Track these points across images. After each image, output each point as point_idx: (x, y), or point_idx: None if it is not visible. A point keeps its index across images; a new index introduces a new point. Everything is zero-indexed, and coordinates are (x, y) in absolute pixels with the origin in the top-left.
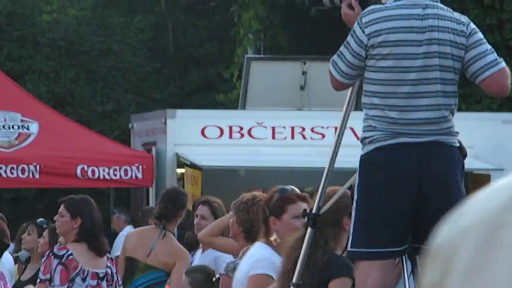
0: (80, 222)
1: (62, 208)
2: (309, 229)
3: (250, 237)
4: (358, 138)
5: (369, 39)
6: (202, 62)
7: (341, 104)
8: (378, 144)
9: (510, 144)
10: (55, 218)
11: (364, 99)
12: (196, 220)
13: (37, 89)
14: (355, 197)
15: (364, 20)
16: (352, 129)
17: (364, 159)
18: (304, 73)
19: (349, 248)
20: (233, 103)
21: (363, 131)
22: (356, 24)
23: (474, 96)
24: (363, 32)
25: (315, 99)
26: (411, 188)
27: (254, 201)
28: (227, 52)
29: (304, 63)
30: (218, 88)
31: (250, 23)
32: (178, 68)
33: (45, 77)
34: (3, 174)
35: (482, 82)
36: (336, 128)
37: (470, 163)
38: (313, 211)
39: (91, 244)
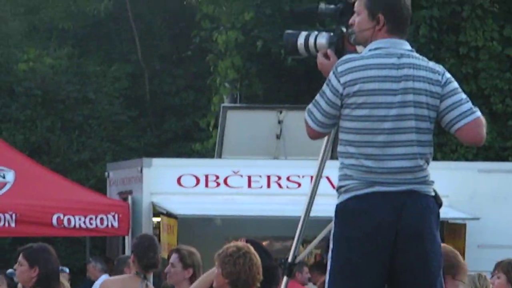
0: (37, 271)
1: (20, 257)
2: (285, 278)
3: None
4: (333, 187)
5: (344, 88)
6: (178, 111)
7: (317, 153)
8: (354, 193)
9: (486, 193)
10: (14, 267)
11: (339, 148)
12: (167, 268)
13: (13, 137)
14: (331, 245)
15: (339, 69)
16: (327, 178)
17: (340, 207)
18: (280, 122)
19: None
20: (209, 152)
21: (339, 180)
22: (331, 73)
23: (449, 145)
24: (339, 81)
25: (291, 148)
26: (387, 237)
27: (239, 253)
28: (204, 101)
29: (280, 112)
30: (195, 137)
31: (226, 72)
32: (155, 117)
33: (21, 125)
34: None
35: (457, 131)
36: (311, 177)
37: (445, 212)
38: (289, 260)
39: None
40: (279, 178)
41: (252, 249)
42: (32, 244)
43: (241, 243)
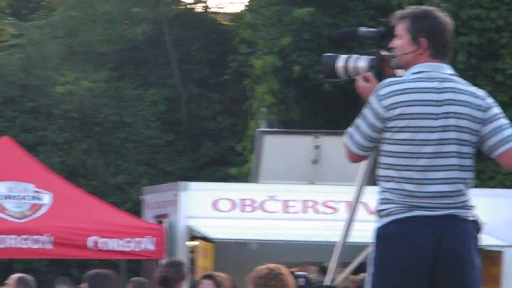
0: None
1: (84, 285)
2: None
3: None
4: (369, 212)
5: (386, 111)
6: (214, 135)
7: (353, 178)
8: (394, 217)
9: None
10: None
11: (380, 172)
12: None
13: (50, 160)
14: (371, 269)
15: (381, 92)
16: (364, 203)
17: (380, 231)
18: (316, 147)
19: None
20: (245, 177)
21: (379, 203)
22: (372, 96)
23: (487, 172)
24: (380, 104)
25: (327, 174)
26: (426, 261)
27: (271, 275)
28: (240, 125)
29: (317, 137)
30: (231, 162)
31: (263, 96)
32: (191, 141)
33: (58, 148)
34: (15, 245)
35: (498, 157)
36: (347, 202)
37: (482, 239)
38: (327, 284)
39: None
40: (315, 203)
41: (284, 270)
42: (98, 271)
43: (272, 265)
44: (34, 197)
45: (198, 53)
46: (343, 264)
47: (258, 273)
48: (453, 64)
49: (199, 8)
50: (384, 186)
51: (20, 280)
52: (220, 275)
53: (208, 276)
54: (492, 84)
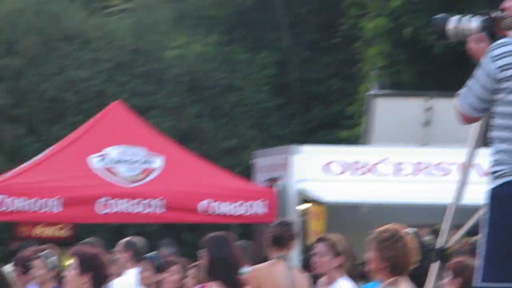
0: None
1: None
2: (438, 263)
3: (398, 272)
4: (482, 175)
5: (499, 72)
6: (325, 99)
7: (464, 140)
8: (507, 179)
9: None
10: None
11: (493, 133)
12: (314, 258)
13: (160, 124)
14: (485, 230)
15: (495, 53)
16: (476, 165)
17: (493, 193)
18: (427, 109)
19: (479, 284)
20: (355, 140)
21: (492, 165)
22: (485, 57)
23: None
24: (494, 65)
25: (439, 135)
26: None
27: (396, 237)
28: (350, 88)
29: (428, 100)
30: (341, 125)
31: (373, 59)
32: (301, 104)
33: (169, 112)
34: (128, 209)
35: None
36: (459, 164)
37: None
38: (441, 246)
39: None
40: (427, 165)
41: (404, 232)
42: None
43: (393, 227)
44: (145, 161)
45: (308, 16)
46: (455, 226)
47: (382, 235)
48: None
49: None
50: (497, 147)
51: (127, 243)
52: (334, 236)
53: (322, 239)
54: None
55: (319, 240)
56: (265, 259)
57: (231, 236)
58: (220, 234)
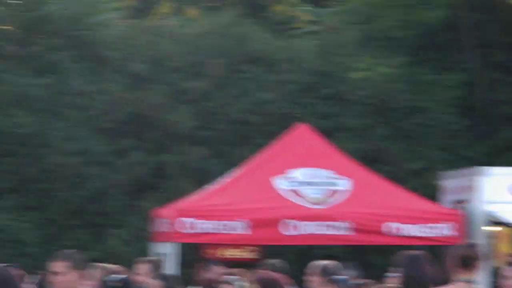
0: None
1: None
2: None
3: None
4: None
5: None
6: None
7: None
8: None
9: None
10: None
11: None
12: (502, 282)
13: (346, 146)
14: None
15: None
16: None
17: None
18: None
19: None
20: None
21: None
22: None
23: None
24: None
25: None
26: None
27: None
28: None
29: None
30: None
31: None
32: (489, 126)
33: (354, 134)
34: (314, 231)
35: None
36: None
37: None
38: None
39: None
40: None
41: None
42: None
43: None
44: (331, 183)
45: (496, 37)
46: None
47: None
48: None
49: None
50: None
51: (324, 269)
52: None
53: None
54: None
55: (510, 264)
56: (447, 281)
57: (426, 256)
58: (416, 253)
